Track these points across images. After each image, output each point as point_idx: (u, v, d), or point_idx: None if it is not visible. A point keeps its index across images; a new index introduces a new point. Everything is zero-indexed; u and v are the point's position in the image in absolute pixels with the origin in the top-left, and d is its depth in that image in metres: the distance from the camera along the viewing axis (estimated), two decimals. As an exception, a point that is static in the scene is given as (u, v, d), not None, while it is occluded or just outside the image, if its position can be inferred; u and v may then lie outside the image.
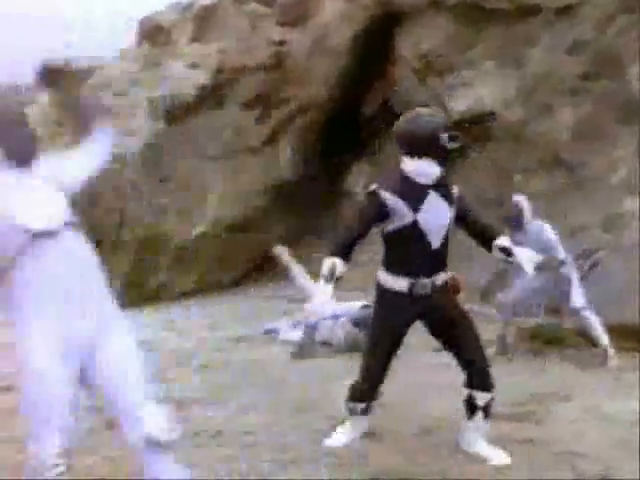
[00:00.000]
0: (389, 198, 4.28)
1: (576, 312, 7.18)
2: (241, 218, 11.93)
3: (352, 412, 4.61)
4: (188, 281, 11.78)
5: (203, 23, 12.52)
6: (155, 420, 3.27)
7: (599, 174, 9.53)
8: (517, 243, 6.73)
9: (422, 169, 4.30)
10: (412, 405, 5.70)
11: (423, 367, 6.87)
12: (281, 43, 12.26)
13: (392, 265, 4.38)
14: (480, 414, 4.42)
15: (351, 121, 12.57)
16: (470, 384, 4.41)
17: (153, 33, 12.86)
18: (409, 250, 4.32)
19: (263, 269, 12.05)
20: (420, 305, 4.34)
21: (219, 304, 10.72)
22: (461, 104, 11.05)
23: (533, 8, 10.42)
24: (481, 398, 4.40)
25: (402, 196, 4.27)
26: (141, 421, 3.24)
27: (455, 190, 4.47)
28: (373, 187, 4.38)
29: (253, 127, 12.00)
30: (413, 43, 11.62)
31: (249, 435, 4.93)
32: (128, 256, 11.25)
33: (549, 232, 7.14)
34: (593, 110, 9.78)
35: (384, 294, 4.41)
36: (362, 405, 4.55)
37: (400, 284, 4.33)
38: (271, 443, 4.73)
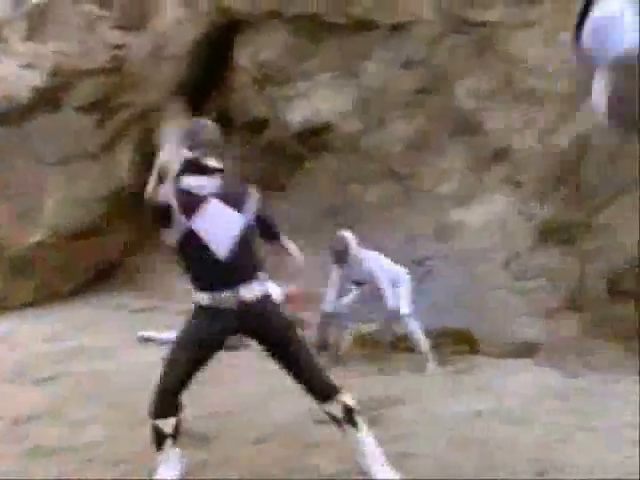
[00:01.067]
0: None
1: (400, 318, 7.54)
2: (81, 225, 11.55)
3: (161, 435, 4.13)
4: (25, 291, 11.32)
5: (37, 21, 12.08)
6: None
7: (430, 185, 9.91)
8: (345, 275, 7.37)
9: (195, 183, 4.15)
10: (251, 412, 5.77)
11: (266, 373, 6.98)
12: (119, 47, 12.02)
13: (192, 280, 4.18)
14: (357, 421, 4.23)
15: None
16: (320, 399, 4.23)
17: (-17, 30, 12.33)
18: (198, 262, 4.10)
19: (106, 277, 11.80)
20: (231, 320, 4.09)
21: (59, 315, 10.41)
22: (298, 115, 11.21)
23: (369, 24, 10.70)
24: (335, 408, 4.20)
25: (179, 204, 4.06)
26: None
27: (252, 195, 4.32)
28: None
29: (92, 132, 11.70)
30: (251, 52, 11.68)
31: (87, 450, 4.86)
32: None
33: (368, 263, 7.65)
34: (425, 123, 10.16)
35: (195, 308, 4.18)
36: (172, 419, 4.15)
37: (203, 298, 4.11)
38: (108, 458, 4.68)
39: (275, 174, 11.62)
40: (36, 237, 11.16)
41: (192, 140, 4.20)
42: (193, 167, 4.16)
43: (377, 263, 7.69)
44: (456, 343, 7.89)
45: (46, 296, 11.34)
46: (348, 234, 7.79)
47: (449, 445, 4.92)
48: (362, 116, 10.62)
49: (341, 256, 7.62)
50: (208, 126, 4.35)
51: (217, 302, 4.04)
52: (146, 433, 5.04)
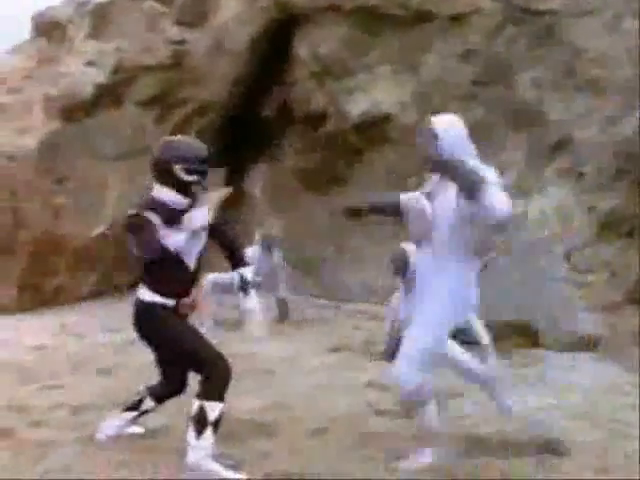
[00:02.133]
0: (154, 218, 4.22)
1: None
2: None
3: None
4: (86, 284, 11.53)
5: (100, 20, 12.26)
6: None
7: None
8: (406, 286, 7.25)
9: (169, 198, 4.32)
10: (308, 405, 5.76)
11: (317, 368, 7.01)
12: (180, 43, 12.13)
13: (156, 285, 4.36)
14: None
15: (250, 122, 12.56)
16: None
17: (48, 29, 12.53)
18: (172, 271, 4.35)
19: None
20: None
21: (119, 306, 10.54)
22: (357, 107, 11.19)
23: (428, 15, 10.62)
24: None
25: (161, 219, 4.23)
26: None
27: (209, 215, 4.39)
28: (134, 211, 4.27)
29: (152, 127, 11.83)
30: (311, 46, 11.68)
31: (147, 439, 4.91)
32: (23, 258, 10.94)
33: None
34: (484, 115, 10.02)
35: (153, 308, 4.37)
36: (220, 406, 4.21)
37: (168, 302, 4.37)
38: (168, 446, 4.71)
39: (334, 167, 11.62)
40: (97, 230, 11.34)
41: (188, 164, 4.32)
42: (181, 187, 4.35)
43: None
44: (516, 336, 7.77)
45: (107, 288, 11.53)
46: (409, 246, 7.73)
47: (507, 440, 4.84)
48: (421, 108, 10.53)
49: (401, 268, 7.59)
50: (201, 150, 4.45)
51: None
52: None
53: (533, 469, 4.36)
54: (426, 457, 4.40)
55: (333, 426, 5.20)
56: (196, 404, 4.19)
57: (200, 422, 4.16)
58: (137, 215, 4.23)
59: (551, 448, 4.65)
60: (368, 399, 5.97)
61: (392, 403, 5.61)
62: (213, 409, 4.17)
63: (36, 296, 10.94)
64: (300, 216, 11.83)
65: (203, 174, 4.39)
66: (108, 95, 11.62)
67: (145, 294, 4.39)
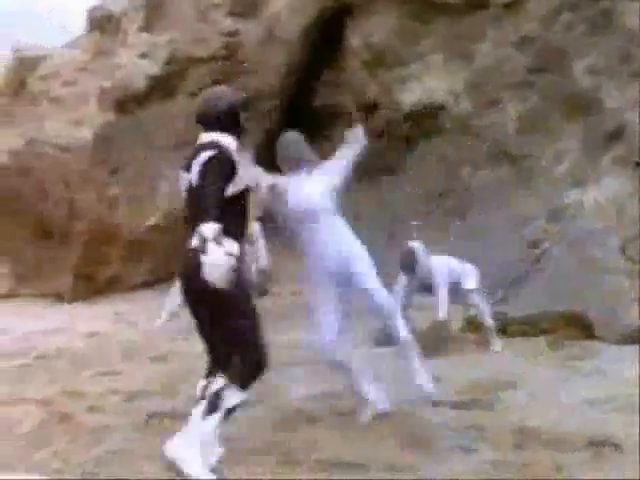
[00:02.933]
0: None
1: (467, 294, 7.67)
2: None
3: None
4: (140, 273, 11.70)
5: (153, 13, 12.42)
6: None
7: (544, 166, 9.69)
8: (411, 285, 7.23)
9: None
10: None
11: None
12: (232, 34, 12.21)
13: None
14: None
15: (302, 112, 12.60)
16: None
17: (103, 22, 12.72)
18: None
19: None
20: None
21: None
22: (409, 97, 11.15)
23: (481, 3, 10.54)
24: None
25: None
26: None
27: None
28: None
29: (205, 117, 11.94)
30: (363, 35, 11.68)
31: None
32: (78, 248, 11.16)
33: (434, 272, 7.61)
34: (539, 103, 9.92)
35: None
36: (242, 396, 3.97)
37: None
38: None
39: (386, 157, 11.59)
40: (151, 221, 11.48)
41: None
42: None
43: (443, 271, 7.68)
44: (569, 328, 7.68)
45: (160, 278, 11.67)
46: (417, 245, 7.75)
47: (560, 433, 4.79)
48: (474, 97, 10.48)
49: (409, 266, 7.63)
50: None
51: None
52: (259, 414, 5.16)
53: (586, 463, 4.32)
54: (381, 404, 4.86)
55: (384, 415, 5.20)
56: (219, 382, 3.88)
57: (213, 403, 3.88)
58: None
59: (605, 442, 4.60)
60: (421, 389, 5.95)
61: (446, 394, 5.60)
62: (233, 395, 3.89)
63: (90, 285, 11.17)
64: (350, 206, 11.82)
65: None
66: (161, 87, 11.78)
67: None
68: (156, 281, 11.66)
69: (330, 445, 4.59)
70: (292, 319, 8.06)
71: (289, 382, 5.63)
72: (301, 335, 7.57)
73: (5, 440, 4.77)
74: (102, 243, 11.22)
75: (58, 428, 4.95)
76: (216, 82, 12.03)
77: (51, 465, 4.32)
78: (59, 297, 10.86)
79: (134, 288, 11.45)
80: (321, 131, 12.61)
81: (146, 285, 11.57)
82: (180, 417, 4.50)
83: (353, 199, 11.94)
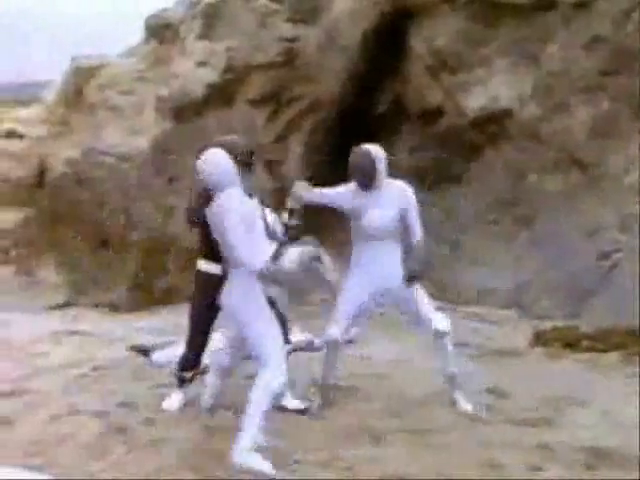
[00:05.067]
0: None
1: None
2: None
3: (182, 381, 5.89)
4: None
5: (211, 20, 12.56)
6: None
7: (616, 173, 9.54)
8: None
9: None
10: (420, 412, 5.76)
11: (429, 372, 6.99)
12: (292, 40, 12.29)
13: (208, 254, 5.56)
14: None
15: (363, 119, 12.61)
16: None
17: (160, 30, 12.92)
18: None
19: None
20: None
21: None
22: (475, 102, 11.07)
23: (549, 3, 10.43)
24: None
25: None
26: None
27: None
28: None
29: (264, 125, 12.05)
30: (426, 39, 11.63)
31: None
32: (135, 258, 11.32)
33: None
34: (610, 108, 9.78)
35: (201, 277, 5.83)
36: (189, 374, 5.87)
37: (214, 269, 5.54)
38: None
39: (450, 164, 11.53)
40: (208, 232, 11.59)
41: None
42: None
43: None
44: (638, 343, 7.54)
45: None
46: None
47: (633, 454, 4.71)
48: (542, 101, 10.36)
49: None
50: (242, 146, 5.51)
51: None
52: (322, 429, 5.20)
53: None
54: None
55: (449, 431, 5.19)
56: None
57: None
58: None
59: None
60: (489, 404, 5.90)
61: (513, 410, 5.55)
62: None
63: (147, 295, 11.30)
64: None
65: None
66: (219, 94, 11.90)
67: None
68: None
69: (394, 461, 4.59)
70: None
71: (350, 397, 5.68)
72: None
73: (63, 450, 4.87)
74: (159, 253, 11.36)
75: (116, 440, 5.04)
76: (275, 90, 12.16)
77: (108, 476, 4.41)
78: (115, 307, 11.02)
79: (186, 300, 11.54)
80: (383, 138, 12.62)
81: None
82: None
83: (418, 210, 11.95)
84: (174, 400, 5.87)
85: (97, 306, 11.22)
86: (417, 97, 11.93)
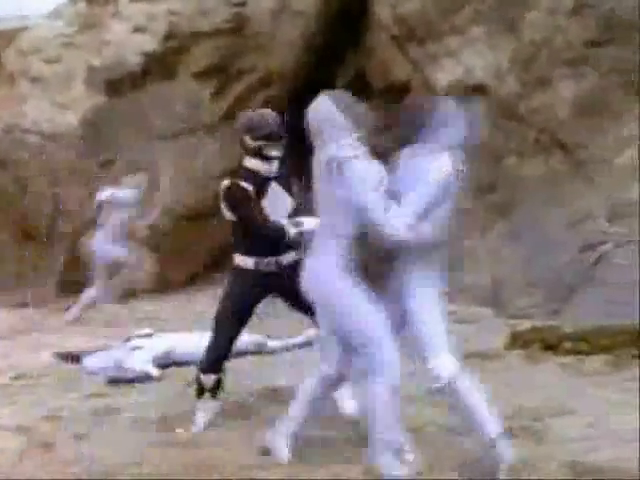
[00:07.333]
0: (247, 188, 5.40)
1: None
2: (197, 206, 11.77)
3: (201, 391, 5.66)
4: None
5: (150, -21, 12.45)
6: None
7: (603, 156, 9.62)
8: None
9: (252, 165, 5.49)
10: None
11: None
12: (241, 4, 12.20)
13: (240, 246, 5.57)
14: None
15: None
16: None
17: (89, -12, 12.75)
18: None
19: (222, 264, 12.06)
20: (268, 281, 5.52)
21: (171, 303, 10.75)
22: (446, 76, 11.08)
23: (531, -36, 10.48)
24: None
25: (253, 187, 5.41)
26: None
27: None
28: (229, 182, 5.46)
29: (209, 101, 11.96)
30: (391, 5, 11.62)
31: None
32: (64, 250, 11.21)
33: None
34: (598, 83, 9.84)
35: (235, 272, 5.65)
36: (214, 376, 5.64)
37: (247, 262, 5.52)
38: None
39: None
40: (148, 220, 11.48)
41: (255, 131, 5.42)
42: (256, 155, 5.46)
43: None
44: (635, 343, 7.61)
45: (159, 283, 11.68)
46: None
47: (622, 469, 4.73)
48: (522, 76, 10.40)
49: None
50: (270, 118, 5.57)
51: (260, 265, 5.50)
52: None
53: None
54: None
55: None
56: None
57: None
58: (236, 185, 5.39)
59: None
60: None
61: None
62: None
63: (78, 293, 11.18)
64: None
65: (270, 138, 5.43)
66: (159, 65, 11.80)
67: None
68: (154, 287, 11.66)
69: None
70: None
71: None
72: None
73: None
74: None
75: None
76: (222, 61, 12.07)
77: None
78: (40, 307, 10.90)
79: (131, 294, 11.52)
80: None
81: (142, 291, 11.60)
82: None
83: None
84: (198, 419, 5.62)
85: (20, 306, 11.09)
86: (382, 71, 11.94)
